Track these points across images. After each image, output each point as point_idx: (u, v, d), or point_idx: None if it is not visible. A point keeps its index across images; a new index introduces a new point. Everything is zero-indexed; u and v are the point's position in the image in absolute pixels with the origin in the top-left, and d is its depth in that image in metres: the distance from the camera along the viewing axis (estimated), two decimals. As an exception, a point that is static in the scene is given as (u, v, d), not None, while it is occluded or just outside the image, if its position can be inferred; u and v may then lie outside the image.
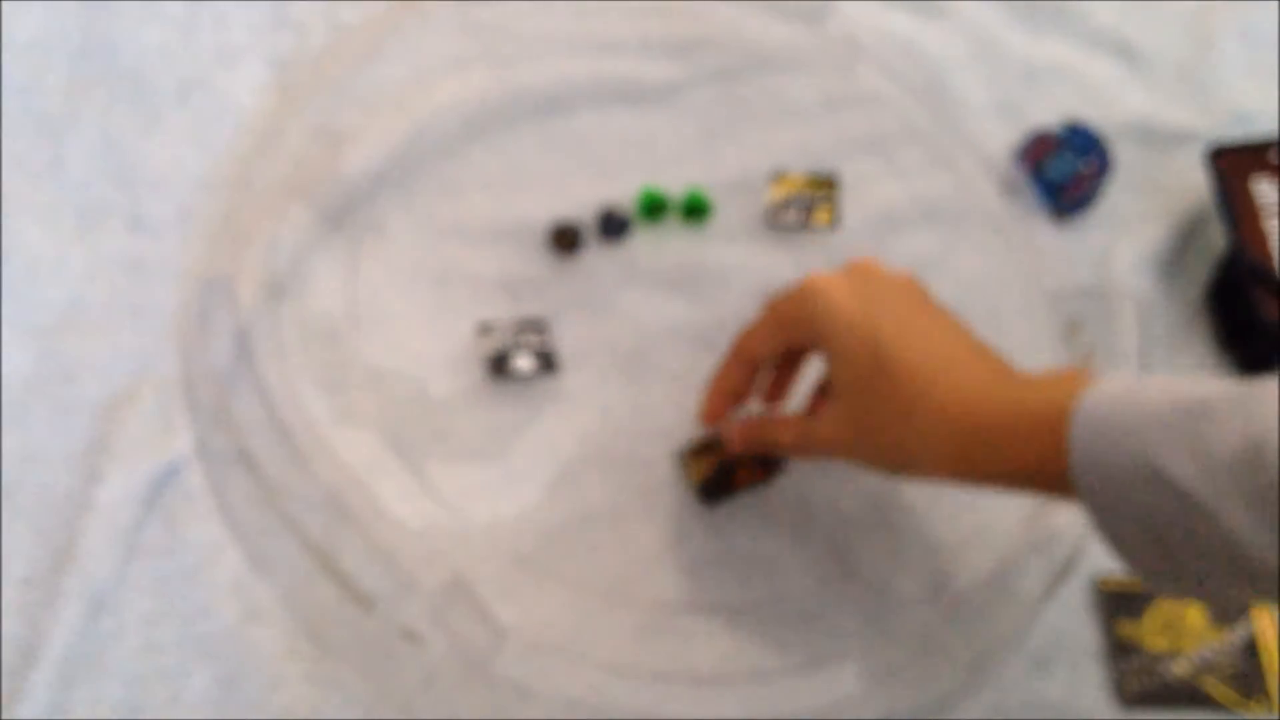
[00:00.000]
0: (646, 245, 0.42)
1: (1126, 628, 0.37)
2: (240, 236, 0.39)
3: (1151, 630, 0.37)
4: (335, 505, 0.36)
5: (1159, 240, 0.45)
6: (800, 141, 0.44)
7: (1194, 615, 0.37)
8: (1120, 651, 0.37)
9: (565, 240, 0.41)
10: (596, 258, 0.41)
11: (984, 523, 0.38)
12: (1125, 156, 0.46)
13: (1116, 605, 0.37)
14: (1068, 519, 0.37)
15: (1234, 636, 0.37)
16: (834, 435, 0.34)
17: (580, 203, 0.42)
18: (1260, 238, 0.41)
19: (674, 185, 0.42)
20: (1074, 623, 0.37)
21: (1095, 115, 0.46)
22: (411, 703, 0.34)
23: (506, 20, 0.45)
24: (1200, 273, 0.44)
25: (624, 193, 0.42)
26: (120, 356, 0.38)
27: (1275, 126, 0.46)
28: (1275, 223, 0.41)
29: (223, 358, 0.37)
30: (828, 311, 0.34)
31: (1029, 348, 0.39)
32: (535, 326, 0.39)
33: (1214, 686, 0.36)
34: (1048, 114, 0.46)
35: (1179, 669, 0.36)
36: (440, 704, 0.34)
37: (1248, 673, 0.36)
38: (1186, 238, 0.45)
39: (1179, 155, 0.46)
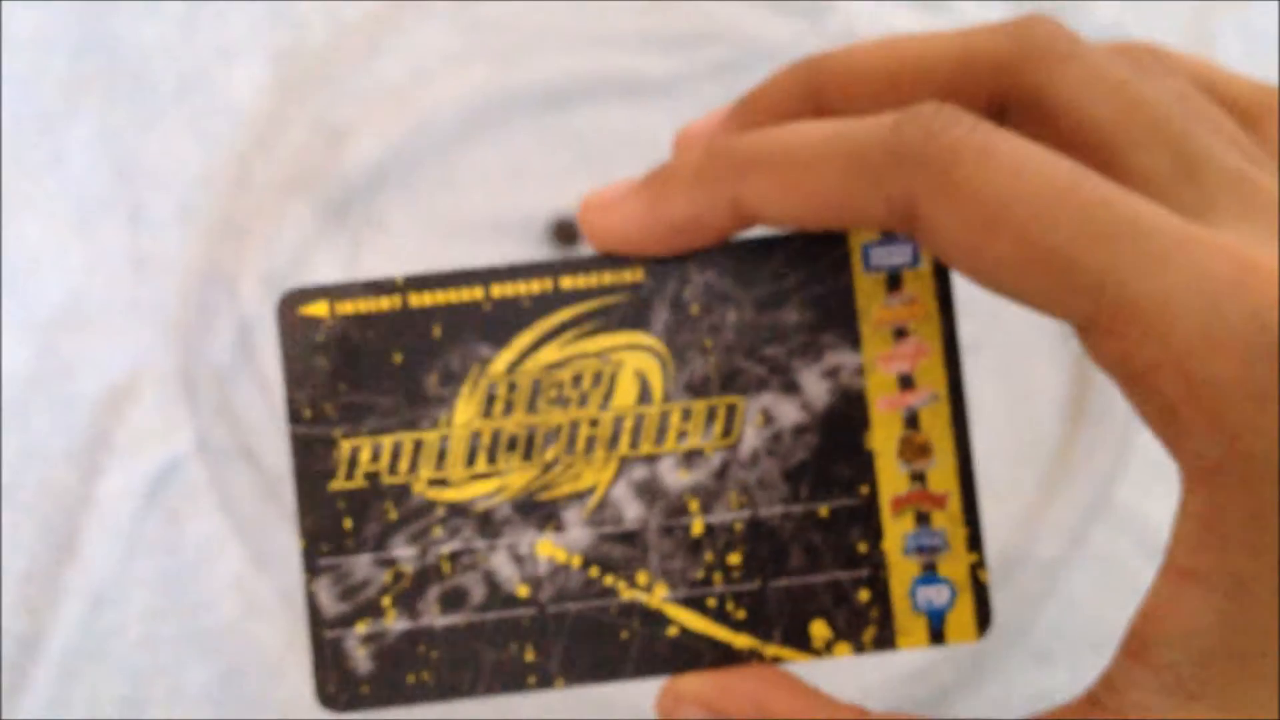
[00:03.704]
0: (646, 241, 0.42)
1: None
2: (241, 232, 0.39)
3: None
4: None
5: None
6: (800, 137, 0.45)
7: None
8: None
9: (565, 234, 0.41)
10: (596, 253, 0.42)
11: (983, 518, 0.38)
12: (1124, 152, 0.46)
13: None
14: (1068, 513, 0.37)
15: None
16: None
17: (580, 197, 0.42)
18: (1259, 233, 0.41)
19: (674, 181, 0.42)
20: (1075, 617, 0.37)
21: (1094, 111, 0.46)
22: (412, 697, 0.34)
23: (506, 16, 0.45)
24: (1199, 268, 0.44)
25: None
26: (121, 352, 0.38)
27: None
28: (1274, 218, 0.41)
29: (224, 353, 0.37)
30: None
31: (1026, 346, 0.39)
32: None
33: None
34: (1047, 110, 0.46)
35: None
36: (441, 698, 0.34)
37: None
38: (1186, 233, 0.45)
39: (1178, 151, 0.46)
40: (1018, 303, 0.18)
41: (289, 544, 0.35)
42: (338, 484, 0.20)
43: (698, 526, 0.20)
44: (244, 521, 0.36)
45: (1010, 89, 0.18)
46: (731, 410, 0.20)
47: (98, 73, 0.43)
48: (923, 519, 0.20)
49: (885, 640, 0.20)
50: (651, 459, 0.20)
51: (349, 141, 0.42)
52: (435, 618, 0.20)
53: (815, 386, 0.20)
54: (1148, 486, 0.39)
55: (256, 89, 0.43)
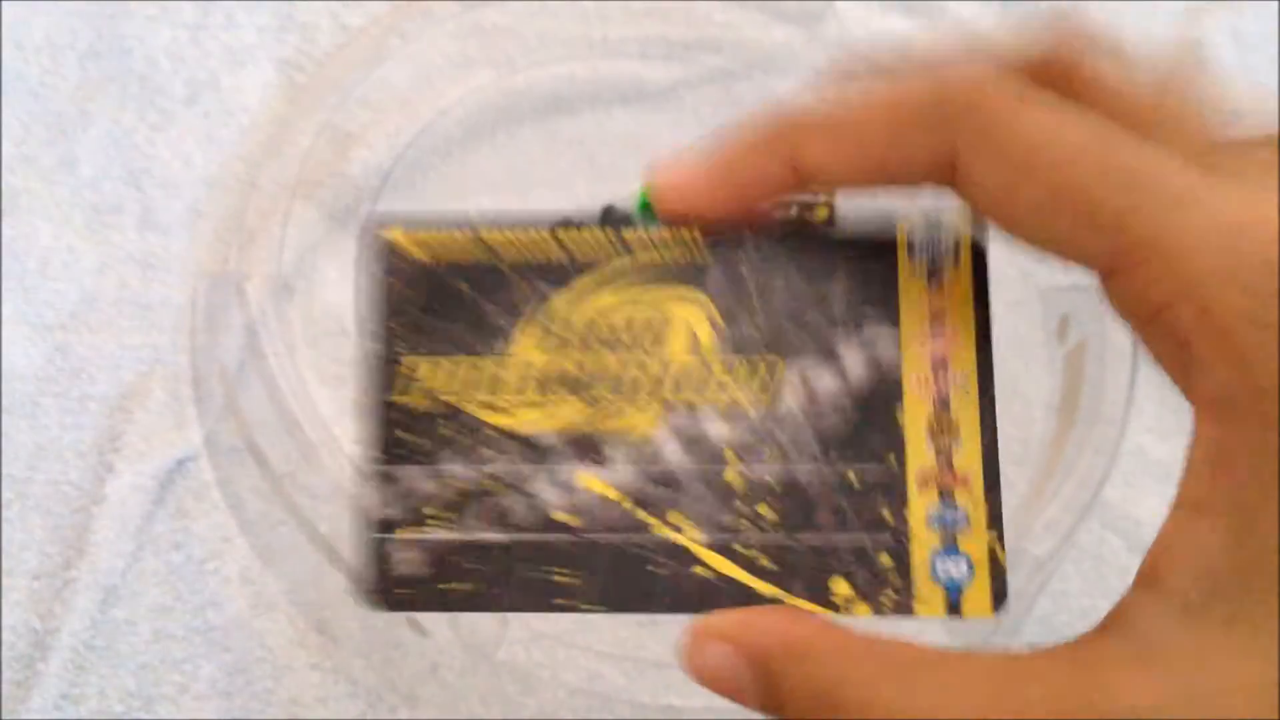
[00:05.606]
0: (647, 244, 0.42)
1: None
2: (248, 235, 0.40)
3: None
4: (342, 498, 0.36)
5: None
6: (799, 142, 0.45)
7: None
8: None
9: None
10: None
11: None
12: (1119, 157, 0.46)
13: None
14: (1059, 511, 0.37)
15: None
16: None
17: (582, 203, 0.42)
18: (1251, 237, 0.41)
19: (674, 185, 0.43)
20: (1066, 611, 0.38)
21: (1089, 116, 0.46)
22: (416, 691, 0.34)
23: (510, 22, 0.45)
24: (1193, 271, 0.44)
25: (625, 193, 0.43)
26: (130, 352, 0.38)
27: (1266, 126, 0.47)
28: (1266, 222, 0.42)
29: (232, 353, 0.38)
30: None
31: (1019, 343, 0.39)
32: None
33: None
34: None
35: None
36: (444, 692, 0.34)
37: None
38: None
39: (1172, 155, 0.47)
40: (1046, 251, 0.18)
41: (295, 541, 0.35)
42: (396, 398, 0.22)
43: (732, 476, 0.21)
44: (251, 519, 0.36)
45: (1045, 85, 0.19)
46: (773, 370, 0.21)
47: (109, 77, 0.43)
48: (946, 495, 0.21)
49: (903, 606, 0.21)
50: (693, 407, 0.21)
51: (355, 145, 0.42)
52: (477, 532, 0.21)
53: (853, 357, 0.21)
54: (1137, 486, 0.39)
55: (264, 93, 0.43)
